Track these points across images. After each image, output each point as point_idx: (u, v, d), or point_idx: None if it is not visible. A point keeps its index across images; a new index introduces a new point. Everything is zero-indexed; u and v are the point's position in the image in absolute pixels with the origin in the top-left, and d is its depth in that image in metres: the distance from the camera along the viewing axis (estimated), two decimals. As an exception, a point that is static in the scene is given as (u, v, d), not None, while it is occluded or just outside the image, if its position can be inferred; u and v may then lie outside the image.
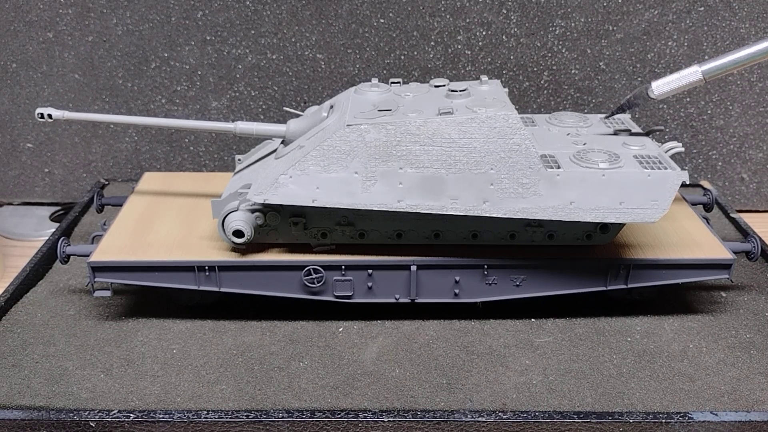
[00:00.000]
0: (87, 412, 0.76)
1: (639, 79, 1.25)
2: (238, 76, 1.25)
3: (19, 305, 0.95)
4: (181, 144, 1.31)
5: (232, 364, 0.84)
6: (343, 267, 0.87)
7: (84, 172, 1.33)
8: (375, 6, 1.20)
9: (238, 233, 0.85)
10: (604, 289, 0.89)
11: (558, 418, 0.76)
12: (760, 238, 1.02)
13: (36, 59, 1.24)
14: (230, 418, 0.76)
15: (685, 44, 1.22)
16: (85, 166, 1.32)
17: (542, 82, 1.26)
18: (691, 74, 0.77)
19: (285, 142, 0.91)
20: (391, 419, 0.76)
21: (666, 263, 0.89)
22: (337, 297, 0.89)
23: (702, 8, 1.19)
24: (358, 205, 0.82)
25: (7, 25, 1.22)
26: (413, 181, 0.81)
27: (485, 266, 0.87)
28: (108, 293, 0.89)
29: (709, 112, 1.27)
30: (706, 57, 1.22)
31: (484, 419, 0.76)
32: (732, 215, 1.17)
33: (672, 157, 0.86)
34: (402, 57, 1.24)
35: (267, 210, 0.86)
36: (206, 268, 0.87)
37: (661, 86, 0.80)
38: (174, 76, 1.26)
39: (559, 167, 0.81)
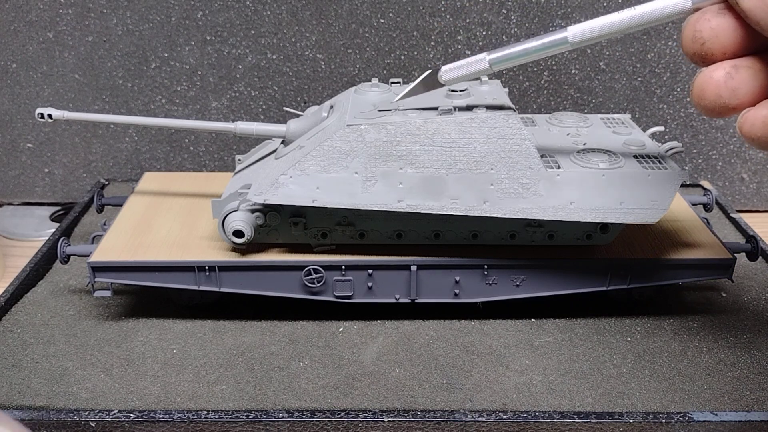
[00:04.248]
0: (87, 412, 0.76)
1: (639, 79, 1.25)
2: (238, 76, 1.25)
3: (19, 305, 0.95)
4: (181, 144, 1.31)
5: (232, 364, 0.84)
6: (343, 267, 0.87)
7: (84, 172, 1.33)
8: (375, 6, 1.20)
9: (238, 233, 0.85)
10: (605, 289, 0.89)
11: (558, 418, 0.76)
12: (760, 238, 1.02)
13: (36, 59, 1.24)
14: (230, 418, 0.76)
15: (685, 44, 1.22)
16: (85, 166, 1.32)
17: (542, 82, 1.26)
18: (478, 62, 0.76)
19: (285, 142, 0.91)
20: (391, 419, 0.76)
21: (666, 263, 0.89)
22: (337, 297, 0.89)
23: (702, 8, 1.19)
24: (358, 205, 0.82)
25: (7, 25, 1.22)
26: (413, 181, 0.81)
27: (485, 266, 0.87)
28: (108, 293, 0.89)
29: (709, 112, 1.27)
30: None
31: (484, 419, 0.76)
32: (732, 215, 1.17)
33: (672, 156, 0.86)
34: (402, 57, 1.24)
35: (267, 210, 0.86)
36: (206, 268, 0.87)
37: (449, 71, 0.79)
38: (174, 76, 1.26)
39: (559, 167, 0.81)
